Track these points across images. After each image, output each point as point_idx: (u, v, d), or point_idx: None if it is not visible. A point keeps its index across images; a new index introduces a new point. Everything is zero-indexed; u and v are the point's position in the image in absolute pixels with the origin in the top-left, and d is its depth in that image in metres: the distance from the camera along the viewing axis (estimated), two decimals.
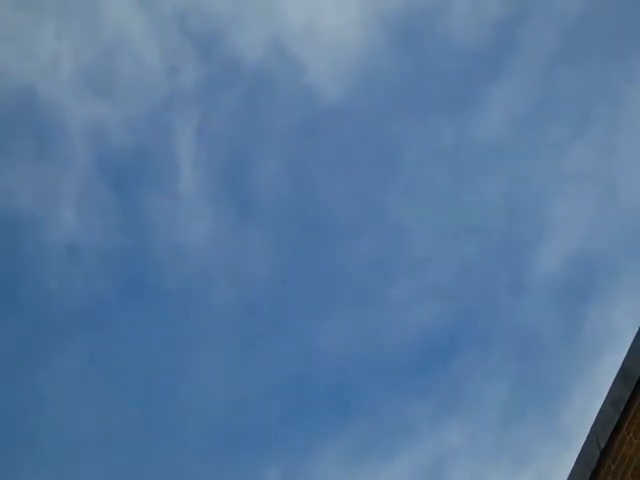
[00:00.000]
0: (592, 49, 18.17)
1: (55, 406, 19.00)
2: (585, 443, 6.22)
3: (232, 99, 18.77)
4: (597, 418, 6.22)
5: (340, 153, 19.06)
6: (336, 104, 18.69)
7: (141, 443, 19.26)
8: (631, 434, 5.94)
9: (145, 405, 19.30)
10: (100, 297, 19.18)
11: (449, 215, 18.76)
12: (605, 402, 6.17)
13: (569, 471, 6.27)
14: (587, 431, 6.30)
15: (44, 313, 19.14)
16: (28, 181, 18.43)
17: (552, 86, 18.27)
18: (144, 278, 19.34)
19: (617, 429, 6.05)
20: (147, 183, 18.96)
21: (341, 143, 19.04)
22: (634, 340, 5.99)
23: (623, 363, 6.03)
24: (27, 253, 18.77)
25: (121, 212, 18.92)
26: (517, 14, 18.30)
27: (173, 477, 18.49)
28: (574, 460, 6.38)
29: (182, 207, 18.93)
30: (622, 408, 6.00)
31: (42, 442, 18.68)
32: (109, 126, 18.44)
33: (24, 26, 17.84)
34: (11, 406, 18.64)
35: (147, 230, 18.92)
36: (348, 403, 19.18)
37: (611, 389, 6.12)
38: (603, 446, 6.09)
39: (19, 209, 18.49)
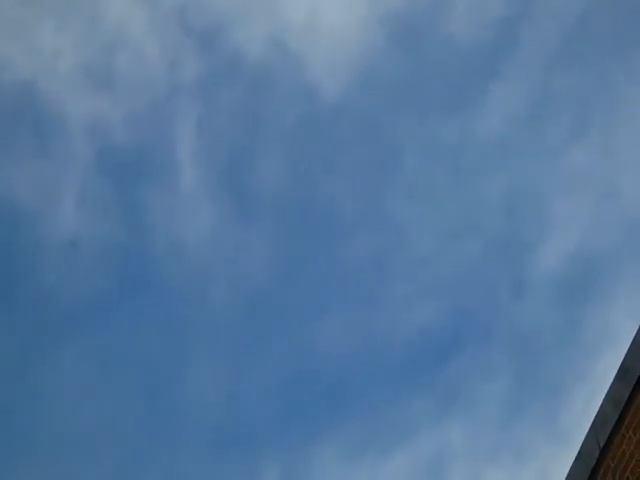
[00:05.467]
0: (592, 49, 18.16)
1: (53, 402, 18.99)
2: (584, 441, 6.21)
3: (232, 95, 18.77)
4: (596, 416, 6.22)
5: (340, 150, 19.06)
6: (336, 101, 18.69)
7: (138, 440, 19.25)
8: (630, 432, 5.93)
9: (142, 403, 19.30)
10: (99, 293, 19.18)
11: (449, 213, 18.76)
12: (604, 400, 6.17)
13: (568, 469, 6.27)
14: (586, 429, 6.30)
15: (42, 308, 19.13)
16: (27, 176, 18.43)
17: (552, 85, 18.27)
18: (143, 275, 19.35)
19: (616, 427, 6.04)
20: (147, 179, 18.96)
21: (341, 140, 19.04)
22: (634, 338, 5.99)
23: (623, 361, 6.03)
24: (26, 247, 18.77)
25: (121, 208, 18.92)
26: (518, 13, 18.31)
27: (171, 474, 18.50)
28: (573, 458, 6.38)
29: (182, 203, 18.92)
30: (622, 406, 6.00)
31: (40, 438, 18.67)
32: (109, 122, 18.44)
33: (25, 21, 17.83)
34: (10, 402, 18.63)
35: (147, 226, 18.92)
36: (347, 400, 19.19)
37: (611, 387, 6.12)
38: (603, 444, 6.09)
39: (18, 203, 18.49)
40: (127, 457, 18.88)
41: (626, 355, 6.01)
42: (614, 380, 6.09)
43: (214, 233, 19.14)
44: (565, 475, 6.36)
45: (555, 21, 17.88)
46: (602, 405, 6.16)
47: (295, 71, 18.43)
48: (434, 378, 18.93)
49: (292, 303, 19.41)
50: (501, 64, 18.23)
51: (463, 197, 18.68)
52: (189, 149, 18.75)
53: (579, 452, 6.25)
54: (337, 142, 18.97)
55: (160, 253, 19.02)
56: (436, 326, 19.11)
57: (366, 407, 18.97)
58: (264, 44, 18.29)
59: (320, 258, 19.22)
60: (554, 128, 18.40)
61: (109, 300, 19.29)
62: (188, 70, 18.46)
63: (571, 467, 6.27)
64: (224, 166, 19.13)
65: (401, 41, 18.57)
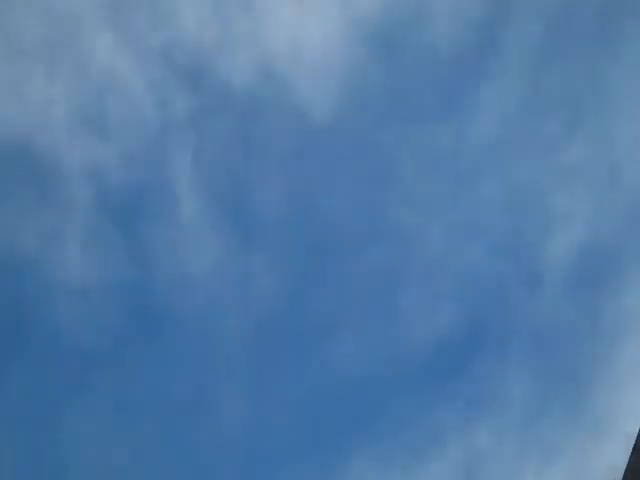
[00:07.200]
0: (577, 41, 18.33)
1: (75, 449, 18.99)
2: None
3: (224, 125, 18.88)
4: None
5: (336, 168, 19.17)
6: (327, 120, 18.82)
7: (164, 473, 19.26)
8: None
9: (167, 435, 19.31)
10: (112, 333, 19.21)
11: (453, 218, 18.88)
12: None
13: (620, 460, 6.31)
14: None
15: (57, 353, 19.15)
16: (30, 224, 18.49)
17: (541, 82, 18.43)
18: (154, 310, 19.39)
19: None
20: (148, 216, 19.04)
21: (336, 158, 19.16)
22: None
23: None
24: (34, 294, 18.80)
25: (125, 247, 18.98)
26: (498, 13, 18.48)
27: None
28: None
29: (185, 236, 19.00)
30: None
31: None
32: (106, 164, 18.53)
33: (15, 74, 17.93)
34: (36, 452, 18.64)
35: (152, 262, 18.98)
36: (372, 413, 19.24)
37: None
38: None
39: (23, 251, 18.54)
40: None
41: None
42: None
43: (220, 262, 19.21)
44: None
45: (537, 17, 18.04)
46: None
47: (283, 95, 18.57)
48: (458, 381, 19.00)
49: (306, 321, 19.47)
50: (487, 66, 18.39)
51: (465, 200, 18.80)
52: (187, 182, 18.84)
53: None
54: (332, 160, 19.09)
55: (168, 286, 19.07)
56: (454, 330, 19.18)
57: (393, 417, 19.03)
58: (251, 72, 18.42)
59: (329, 274, 19.30)
60: (548, 124, 18.55)
61: (123, 337, 19.32)
62: (178, 106, 18.57)
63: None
64: (223, 195, 19.22)
65: (384, 53, 18.72)
